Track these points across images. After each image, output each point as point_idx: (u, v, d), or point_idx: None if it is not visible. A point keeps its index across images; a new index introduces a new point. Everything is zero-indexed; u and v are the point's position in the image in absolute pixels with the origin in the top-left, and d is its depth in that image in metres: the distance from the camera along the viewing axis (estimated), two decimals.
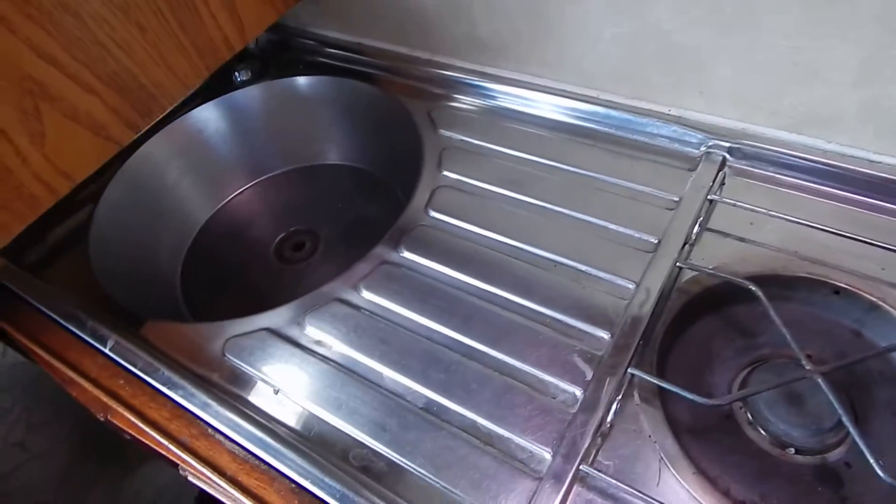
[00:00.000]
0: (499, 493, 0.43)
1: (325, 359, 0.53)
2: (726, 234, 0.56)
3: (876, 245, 0.51)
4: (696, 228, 0.56)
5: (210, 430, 0.49)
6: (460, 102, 0.75)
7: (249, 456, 0.47)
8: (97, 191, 0.71)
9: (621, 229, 0.58)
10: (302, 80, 0.82)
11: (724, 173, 0.61)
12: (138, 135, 0.72)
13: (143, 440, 0.52)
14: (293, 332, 0.55)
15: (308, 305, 0.57)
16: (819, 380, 0.43)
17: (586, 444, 0.44)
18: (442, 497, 0.44)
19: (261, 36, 0.86)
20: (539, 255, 0.57)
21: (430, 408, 0.49)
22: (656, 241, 0.56)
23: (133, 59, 0.65)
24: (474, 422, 0.47)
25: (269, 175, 0.88)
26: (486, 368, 0.50)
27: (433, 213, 0.63)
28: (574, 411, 0.46)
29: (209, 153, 0.83)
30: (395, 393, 0.50)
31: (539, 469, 0.44)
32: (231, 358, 0.54)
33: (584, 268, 0.55)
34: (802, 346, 0.46)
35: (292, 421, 0.49)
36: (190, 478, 0.52)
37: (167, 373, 0.52)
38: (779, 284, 0.51)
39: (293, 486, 0.44)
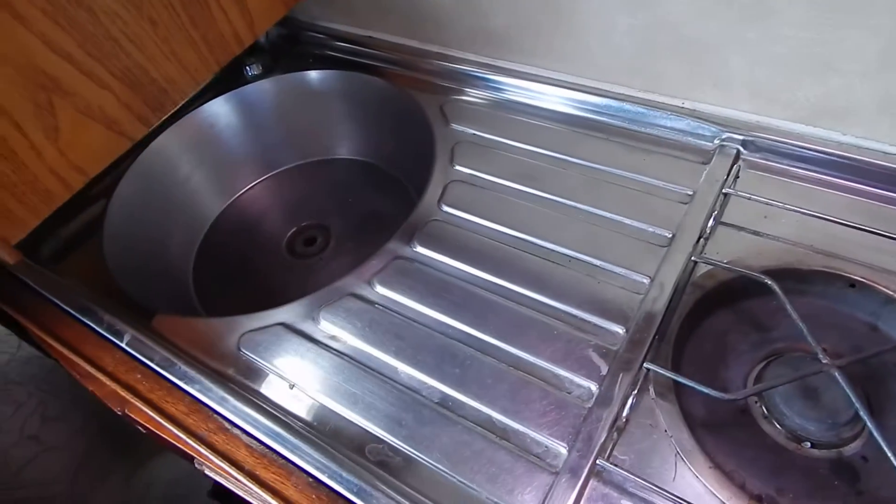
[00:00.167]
0: (515, 488, 0.43)
1: (339, 353, 0.53)
2: (741, 228, 0.56)
3: (892, 238, 0.51)
4: (710, 222, 0.56)
5: (227, 425, 0.49)
6: (472, 96, 0.75)
7: (267, 450, 0.47)
8: (109, 185, 0.71)
9: (635, 223, 0.58)
10: (313, 75, 0.82)
11: (739, 166, 0.60)
12: (150, 130, 0.73)
13: (161, 434, 0.52)
14: (308, 327, 0.56)
15: (322, 300, 0.57)
16: (836, 373, 0.43)
17: (602, 439, 0.44)
18: (458, 491, 0.44)
19: (271, 30, 0.86)
20: (553, 249, 0.57)
21: (446, 402, 0.49)
22: (670, 236, 0.56)
23: (145, 55, 0.65)
24: (490, 416, 0.48)
25: (280, 169, 0.88)
26: (501, 363, 0.50)
27: (446, 208, 0.63)
28: (589, 406, 0.46)
29: (220, 147, 0.83)
30: (410, 388, 0.50)
31: (555, 464, 0.44)
32: (246, 352, 0.55)
33: (598, 262, 0.55)
34: (818, 339, 0.46)
35: (308, 415, 0.50)
36: (207, 471, 0.53)
37: (184, 367, 0.52)
38: (794, 278, 0.51)
39: (310, 480, 0.45)
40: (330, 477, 0.44)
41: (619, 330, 0.50)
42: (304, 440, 0.46)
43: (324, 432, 0.48)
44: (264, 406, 0.49)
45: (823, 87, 0.56)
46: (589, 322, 0.52)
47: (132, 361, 0.55)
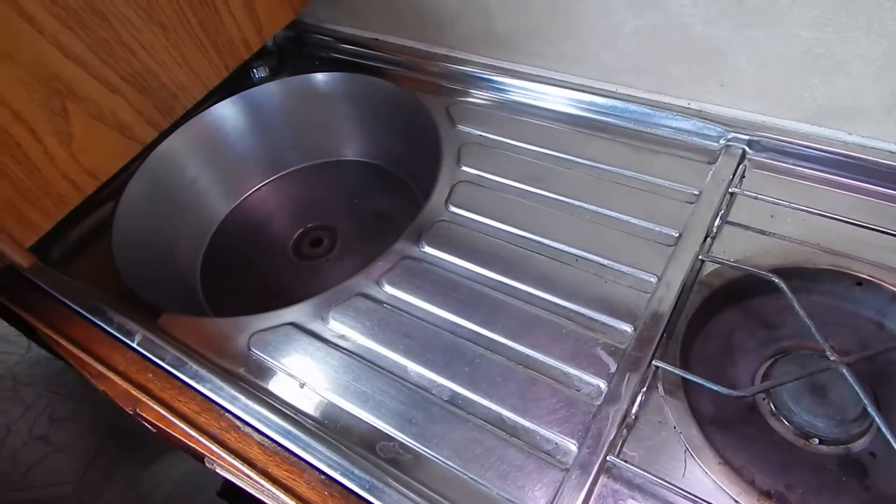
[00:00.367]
0: (525, 484, 0.44)
1: (349, 353, 0.54)
2: (747, 227, 0.56)
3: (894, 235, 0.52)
4: (716, 221, 0.56)
5: (239, 423, 0.49)
6: (478, 98, 0.75)
7: (279, 448, 0.48)
8: (117, 188, 0.72)
9: (642, 223, 0.58)
10: (319, 77, 0.83)
11: (745, 166, 0.61)
12: (159, 133, 0.73)
13: (172, 433, 0.53)
14: (317, 327, 0.56)
15: (331, 300, 0.58)
16: (844, 370, 0.43)
17: (612, 436, 0.44)
18: (469, 488, 0.44)
19: (277, 33, 0.86)
20: (560, 249, 0.58)
21: (456, 401, 0.49)
22: (677, 235, 0.56)
23: (156, 60, 0.66)
24: (500, 414, 0.48)
25: (287, 171, 0.89)
26: (511, 362, 0.51)
27: (453, 209, 0.64)
28: (599, 403, 0.47)
29: (228, 149, 0.84)
30: (420, 386, 0.50)
31: (565, 460, 0.44)
32: (256, 352, 0.55)
33: (605, 262, 0.56)
34: (825, 337, 0.46)
35: (319, 413, 0.50)
36: (218, 469, 0.54)
37: (195, 367, 0.53)
38: (801, 277, 0.51)
39: (322, 477, 0.45)
40: (342, 474, 0.45)
41: (627, 328, 0.51)
42: (315, 438, 0.47)
43: (335, 430, 0.49)
44: (275, 404, 0.50)
45: (829, 88, 0.57)
46: (597, 321, 0.52)
47: (143, 361, 0.55)
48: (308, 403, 0.51)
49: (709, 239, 0.55)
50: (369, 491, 0.43)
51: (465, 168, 0.67)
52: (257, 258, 0.81)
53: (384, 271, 0.59)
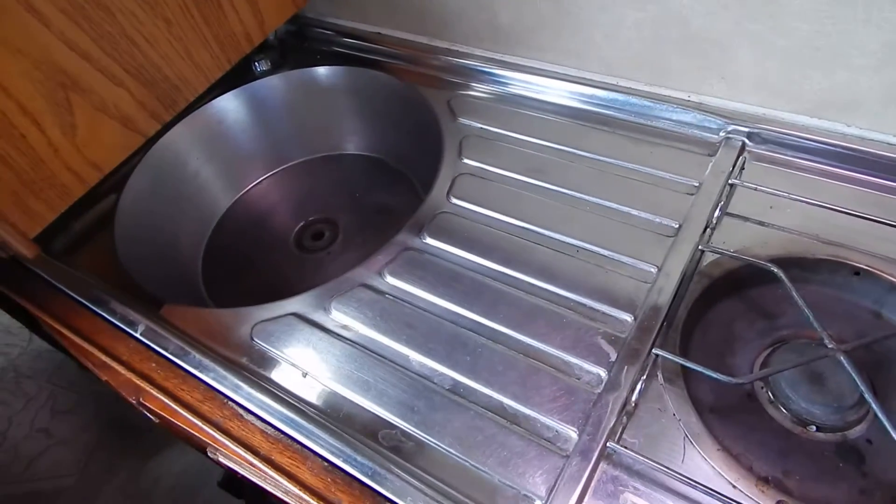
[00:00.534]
0: (526, 471, 0.44)
1: (352, 342, 0.54)
2: (747, 218, 0.56)
3: (892, 225, 0.52)
4: (716, 213, 0.57)
5: (242, 411, 0.50)
6: (480, 91, 0.75)
7: (282, 436, 0.48)
8: (119, 180, 0.72)
9: (643, 214, 0.58)
10: (321, 70, 0.83)
11: (744, 158, 0.61)
12: (162, 126, 0.74)
13: (176, 422, 0.53)
14: (320, 317, 0.57)
15: (334, 291, 0.58)
16: (841, 358, 0.44)
17: (612, 423, 0.45)
18: (471, 475, 0.45)
19: (279, 27, 0.87)
20: (562, 240, 0.58)
21: (457, 389, 0.50)
22: (677, 226, 0.57)
23: (159, 53, 0.67)
24: (501, 402, 0.48)
25: (289, 164, 0.89)
26: (512, 351, 0.51)
27: (455, 200, 0.64)
28: (599, 391, 0.47)
29: (229, 142, 0.84)
30: (422, 375, 0.51)
31: (566, 447, 0.45)
32: (259, 342, 0.56)
33: (606, 252, 0.56)
34: (823, 326, 0.46)
35: (322, 402, 0.51)
36: (221, 458, 0.54)
37: (198, 356, 0.53)
38: (800, 266, 0.52)
39: (325, 464, 0.46)
40: (345, 461, 0.45)
41: (627, 318, 0.51)
42: (318, 426, 0.47)
43: (337, 418, 0.49)
44: (278, 393, 0.50)
45: (828, 80, 0.57)
46: (598, 310, 0.52)
47: (147, 351, 0.56)
48: (311, 392, 0.52)
49: (709, 230, 0.56)
50: (372, 477, 0.44)
51: (466, 160, 0.68)
52: (259, 251, 0.81)
53: (386, 262, 0.60)
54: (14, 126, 0.55)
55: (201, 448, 0.58)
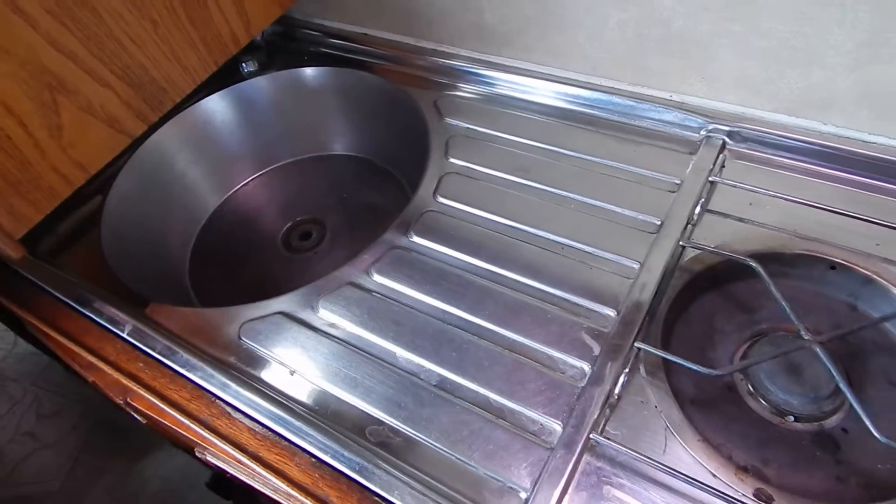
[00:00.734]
0: (512, 464, 0.45)
1: (339, 340, 0.55)
2: (727, 215, 0.58)
3: (870, 222, 0.53)
4: (697, 209, 0.58)
5: (230, 410, 0.50)
6: (466, 91, 0.76)
7: (269, 433, 0.48)
8: (105, 181, 0.72)
9: (625, 212, 0.59)
10: (308, 71, 0.83)
11: (724, 156, 0.62)
12: (148, 127, 0.74)
13: (163, 421, 0.53)
14: (307, 316, 0.57)
15: (321, 289, 0.59)
16: (817, 349, 0.45)
17: (595, 415, 0.45)
18: (457, 468, 0.45)
19: (266, 28, 0.87)
20: (546, 237, 0.59)
21: (444, 385, 0.50)
22: (659, 223, 0.58)
23: (145, 54, 0.67)
24: (487, 397, 0.49)
25: (276, 165, 0.89)
26: (497, 346, 0.52)
27: (441, 199, 0.65)
28: (583, 385, 0.48)
29: (217, 143, 0.84)
30: (409, 371, 0.51)
31: (550, 440, 0.46)
32: (247, 341, 0.56)
33: (590, 249, 0.57)
34: (800, 318, 0.47)
35: (309, 399, 0.51)
36: (209, 457, 0.54)
37: (186, 356, 0.53)
38: (778, 261, 0.53)
39: (313, 460, 0.46)
40: (332, 457, 0.45)
41: (610, 313, 0.52)
42: (305, 422, 0.47)
43: (325, 415, 0.50)
44: (266, 391, 0.51)
45: (805, 80, 0.59)
46: (581, 306, 0.53)
47: (134, 351, 0.56)
48: (298, 390, 0.52)
49: (690, 226, 0.57)
50: (359, 473, 0.44)
51: (452, 160, 0.68)
52: (246, 251, 0.82)
53: (373, 261, 0.60)
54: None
55: (189, 448, 0.58)
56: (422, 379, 0.51)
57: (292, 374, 0.53)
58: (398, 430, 0.48)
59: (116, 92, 0.65)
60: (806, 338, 0.46)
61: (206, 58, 0.74)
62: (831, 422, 0.46)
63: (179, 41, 0.70)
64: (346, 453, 0.45)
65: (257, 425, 0.49)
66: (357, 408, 0.50)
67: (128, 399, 0.55)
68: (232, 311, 0.59)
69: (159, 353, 0.54)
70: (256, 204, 0.87)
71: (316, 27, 0.88)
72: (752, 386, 0.48)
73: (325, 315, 0.57)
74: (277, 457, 0.47)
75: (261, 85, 0.83)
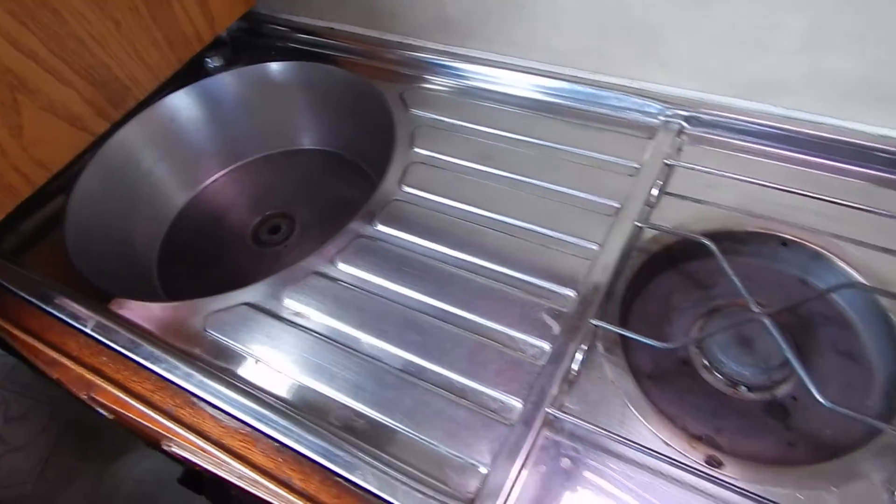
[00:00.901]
0: (473, 441, 0.46)
1: (304, 329, 0.55)
2: (684, 197, 0.59)
3: (820, 199, 0.55)
4: (655, 192, 0.59)
5: (194, 399, 0.50)
6: (431, 83, 0.77)
7: (233, 420, 0.48)
8: (69, 180, 0.71)
9: (586, 196, 0.61)
10: (274, 66, 0.83)
11: (682, 140, 0.64)
12: (111, 125, 0.73)
13: (129, 414, 0.53)
14: (272, 306, 0.57)
15: (286, 280, 0.59)
16: (766, 321, 0.46)
17: (554, 392, 0.46)
18: (420, 448, 0.46)
19: (231, 23, 0.87)
20: (509, 223, 0.60)
21: (407, 368, 0.51)
22: (619, 206, 0.59)
23: (108, 53, 0.67)
24: (449, 379, 0.50)
25: (244, 161, 0.89)
26: (460, 329, 0.53)
27: (406, 189, 0.65)
28: (542, 363, 0.49)
29: (183, 140, 0.84)
30: (372, 356, 0.52)
31: (510, 417, 0.46)
32: (212, 333, 0.56)
33: (551, 233, 0.58)
34: (753, 294, 0.49)
35: (274, 387, 0.51)
36: (175, 448, 0.54)
37: (149, 348, 0.53)
38: (732, 239, 0.54)
39: (276, 444, 0.46)
40: (295, 440, 0.46)
41: (570, 293, 0.53)
42: (269, 408, 0.48)
43: (289, 402, 0.50)
44: (230, 380, 0.51)
45: (757, 64, 0.60)
46: (542, 287, 0.54)
47: (97, 345, 0.56)
48: (263, 378, 0.52)
49: (648, 208, 0.58)
50: (322, 455, 0.45)
51: (417, 150, 0.69)
52: (216, 247, 0.81)
53: (338, 250, 0.61)
54: None
55: (156, 441, 0.58)
56: (385, 363, 0.51)
57: (257, 363, 0.53)
58: (362, 413, 0.49)
59: (78, 90, 0.65)
60: (755, 310, 0.47)
61: (169, 56, 0.75)
62: (782, 391, 0.48)
63: (143, 40, 0.70)
64: (308, 436, 0.46)
65: (221, 413, 0.49)
66: (322, 393, 0.50)
67: (91, 394, 0.55)
68: (197, 304, 0.59)
69: (122, 347, 0.54)
70: (225, 200, 0.87)
71: (282, 22, 0.88)
72: (707, 359, 0.50)
73: (291, 304, 0.57)
74: (241, 443, 0.47)
75: (226, 81, 0.83)
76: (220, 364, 0.54)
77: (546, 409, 0.45)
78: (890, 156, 0.58)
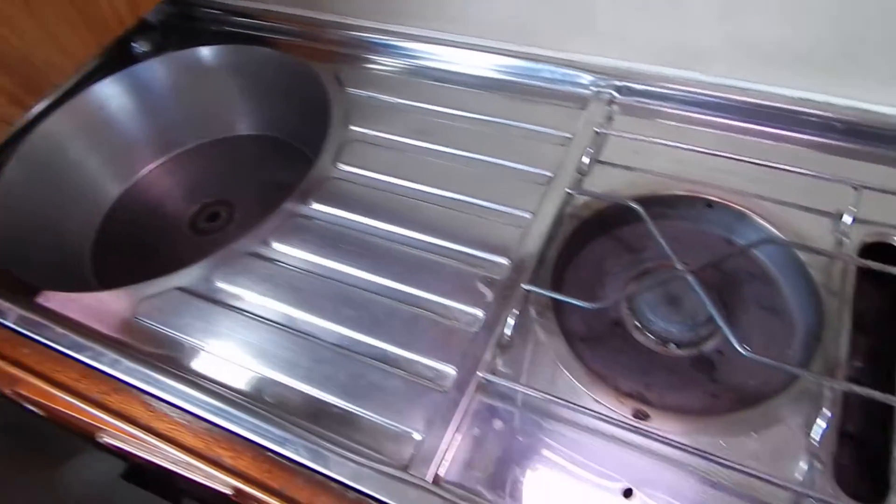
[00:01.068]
0: (408, 410, 0.45)
1: (238, 310, 0.54)
2: (615, 165, 0.60)
3: (744, 161, 0.56)
4: (587, 160, 0.60)
5: (121, 385, 0.49)
6: (368, 62, 0.76)
7: (162, 404, 0.47)
8: None
9: (519, 166, 0.61)
10: (205, 51, 0.81)
11: (613, 109, 0.65)
12: (32, 112, 0.71)
13: (56, 406, 0.51)
14: (205, 289, 0.56)
15: (219, 262, 0.58)
16: (689, 278, 0.47)
17: (487, 357, 0.47)
18: (355, 420, 0.46)
19: (160, 7, 0.84)
20: (444, 196, 0.60)
21: (342, 343, 0.50)
22: (551, 175, 0.59)
23: (18, 35, 0.64)
24: (384, 350, 0.49)
25: (180, 150, 0.86)
26: (395, 302, 0.52)
27: (342, 167, 0.65)
28: (476, 330, 0.49)
29: (114, 130, 0.81)
30: (307, 333, 0.51)
31: (444, 384, 0.46)
32: (143, 319, 0.54)
33: (485, 204, 0.58)
34: (680, 255, 0.50)
35: (206, 370, 0.50)
36: (107, 439, 0.52)
37: (74, 337, 0.52)
38: (660, 203, 0.56)
39: (207, 425, 0.45)
40: (226, 419, 0.45)
41: (503, 261, 0.53)
42: (198, 389, 0.47)
43: (222, 383, 0.49)
44: (159, 364, 0.49)
45: (682, 33, 0.61)
46: (476, 257, 0.54)
47: (19, 338, 0.53)
48: (195, 361, 0.51)
49: (579, 176, 0.59)
50: (253, 431, 0.44)
51: (353, 128, 0.68)
52: (153, 237, 0.79)
53: (272, 230, 0.60)
54: None
55: (90, 435, 0.56)
56: (320, 339, 0.51)
57: (189, 347, 0.52)
58: (296, 389, 0.48)
59: None
60: (679, 268, 0.48)
61: (88, 40, 0.72)
62: (708, 346, 0.49)
63: (59, 23, 0.68)
64: (238, 414, 0.45)
65: (149, 398, 0.48)
66: (255, 372, 0.50)
67: (15, 388, 0.53)
68: (127, 292, 0.57)
69: (45, 338, 0.52)
70: (162, 190, 0.84)
71: (216, 5, 0.86)
72: (638, 320, 0.51)
73: (224, 286, 0.56)
74: (170, 425, 0.46)
75: (156, 67, 0.81)
76: (150, 350, 0.52)
77: (479, 374, 0.45)
78: (812, 118, 0.59)
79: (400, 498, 0.40)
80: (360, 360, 0.49)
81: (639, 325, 0.51)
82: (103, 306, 0.56)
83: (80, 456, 1.00)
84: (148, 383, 0.48)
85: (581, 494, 0.41)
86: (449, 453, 0.43)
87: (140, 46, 0.80)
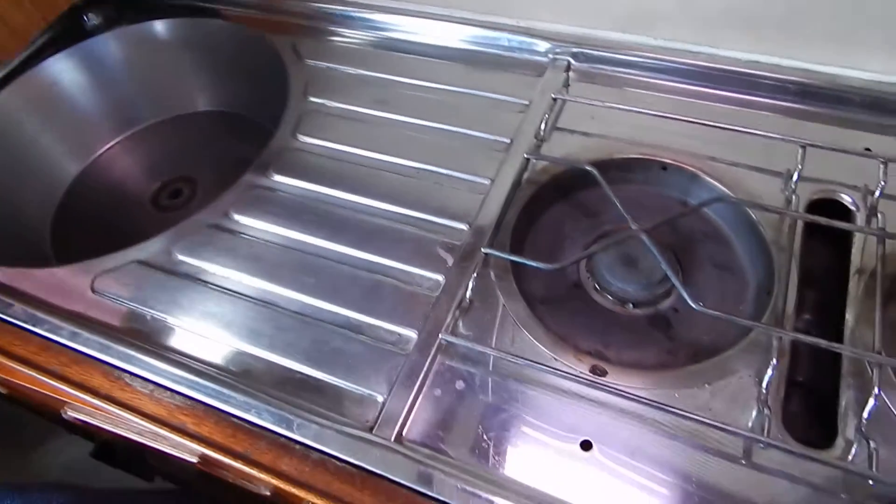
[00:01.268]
0: (370, 374, 0.46)
1: (199, 280, 0.54)
2: (572, 131, 0.61)
3: (697, 124, 0.57)
4: (544, 126, 0.60)
5: (80, 357, 0.48)
6: (326, 34, 0.75)
7: (123, 374, 0.47)
8: None
9: (478, 134, 0.61)
10: (159, 25, 0.79)
11: (570, 76, 0.65)
12: None
13: (16, 381, 0.51)
14: (165, 261, 0.56)
15: (179, 235, 0.57)
16: (643, 237, 0.48)
17: (448, 320, 0.47)
18: (319, 385, 0.46)
19: None
20: (404, 165, 0.60)
21: (304, 311, 0.51)
22: (509, 141, 0.60)
23: None
24: (346, 317, 0.50)
25: (139, 128, 0.85)
26: (356, 269, 0.53)
27: (302, 137, 0.64)
28: (437, 295, 0.50)
29: (68, 106, 0.79)
30: (269, 302, 0.51)
31: (406, 348, 0.47)
32: (102, 292, 0.54)
33: (444, 171, 0.59)
34: (636, 217, 0.51)
35: (167, 340, 0.50)
36: (70, 412, 0.52)
37: (30, 310, 0.51)
38: (616, 167, 0.57)
39: (168, 393, 0.45)
40: (187, 386, 0.45)
41: (463, 227, 0.54)
42: (157, 358, 0.47)
43: (183, 353, 0.49)
44: (118, 335, 0.49)
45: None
46: (437, 223, 0.55)
47: None
48: (156, 333, 0.51)
49: (537, 142, 0.60)
50: (215, 397, 0.44)
51: (312, 99, 0.68)
52: (114, 215, 0.78)
53: (232, 202, 0.59)
54: None
55: (55, 412, 0.56)
56: (282, 307, 0.51)
57: (152, 319, 0.52)
58: (260, 357, 0.48)
59: None
60: (633, 228, 0.49)
61: (33, 14, 0.70)
62: (664, 304, 0.50)
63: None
64: (200, 381, 0.45)
65: (108, 367, 0.47)
66: (217, 342, 0.50)
67: None
68: (85, 266, 0.56)
69: (2, 313, 0.51)
70: (122, 168, 0.83)
71: None
72: (596, 282, 0.52)
73: (184, 259, 0.55)
74: (132, 395, 0.46)
75: (109, 41, 0.79)
76: (108, 322, 0.52)
77: (441, 337, 0.46)
78: (764, 80, 0.61)
79: (362, 457, 0.41)
80: (323, 327, 0.49)
81: (597, 286, 0.52)
82: (62, 281, 0.55)
83: (53, 440, 0.99)
84: (107, 354, 0.48)
85: (541, 449, 0.42)
86: (412, 414, 0.44)
87: (91, 19, 0.78)
